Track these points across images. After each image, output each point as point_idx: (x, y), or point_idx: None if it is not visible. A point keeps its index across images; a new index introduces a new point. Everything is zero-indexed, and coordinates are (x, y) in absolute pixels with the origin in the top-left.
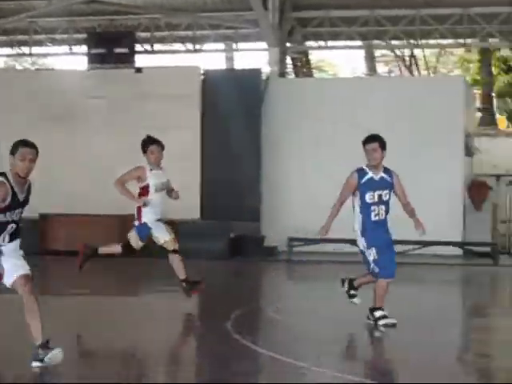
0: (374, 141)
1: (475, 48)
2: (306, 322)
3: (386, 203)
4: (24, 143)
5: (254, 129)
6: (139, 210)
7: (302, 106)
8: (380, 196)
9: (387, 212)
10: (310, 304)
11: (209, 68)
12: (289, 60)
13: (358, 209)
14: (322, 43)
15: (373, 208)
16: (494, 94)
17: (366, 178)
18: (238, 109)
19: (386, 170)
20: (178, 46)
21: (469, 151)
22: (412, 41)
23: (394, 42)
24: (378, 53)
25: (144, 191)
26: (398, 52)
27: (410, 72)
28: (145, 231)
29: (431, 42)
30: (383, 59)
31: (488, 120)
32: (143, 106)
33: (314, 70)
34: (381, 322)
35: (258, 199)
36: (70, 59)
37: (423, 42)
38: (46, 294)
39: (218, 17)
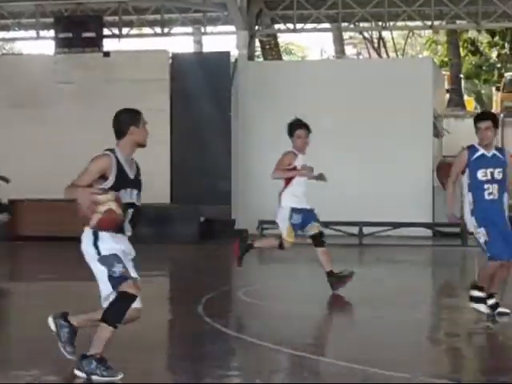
0: (487, 119)
1: (443, 30)
2: (277, 304)
3: (500, 182)
4: (138, 111)
5: (224, 112)
6: (280, 194)
7: (271, 88)
8: (492, 174)
9: (503, 192)
10: (280, 286)
11: (177, 51)
12: (257, 43)
13: (466, 187)
14: (290, 26)
15: (486, 186)
16: (461, 76)
17: (478, 154)
18: (207, 92)
19: (499, 149)
20: (146, 30)
21: (438, 132)
22: (380, 23)
23: (362, 25)
24: (346, 35)
25: (289, 178)
26: (366, 34)
27: (379, 54)
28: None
29: (399, 24)
30: (352, 41)
31: (456, 101)
32: (112, 90)
33: (282, 53)
34: (473, 305)
35: (228, 183)
36: (37, 44)
37: (391, 24)
38: (14, 279)
39: (186, 0)
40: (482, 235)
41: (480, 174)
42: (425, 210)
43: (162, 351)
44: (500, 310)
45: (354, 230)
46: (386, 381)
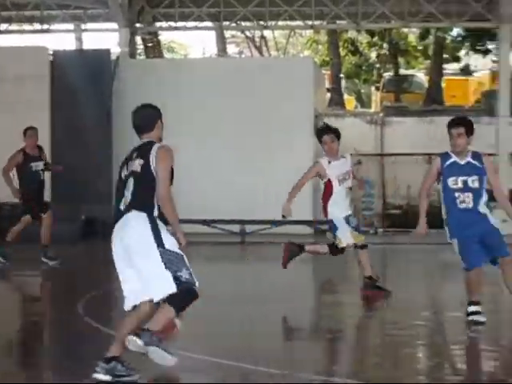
0: (460, 125)
1: (323, 30)
2: None
3: (475, 190)
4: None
5: (105, 110)
6: (325, 206)
7: (152, 87)
8: (465, 182)
9: (478, 200)
10: None
11: (58, 48)
12: (140, 41)
13: (442, 195)
14: (172, 24)
15: (457, 195)
16: (342, 75)
17: (450, 161)
18: (89, 90)
19: (476, 156)
20: (26, 26)
21: None
22: (261, 22)
23: (243, 23)
24: (228, 34)
25: (328, 187)
26: (248, 33)
27: (261, 53)
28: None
29: (280, 23)
30: (234, 40)
31: (336, 100)
32: None
33: (164, 51)
34: (469, 318)
35: (109, 182)
36: None
37: (272, 23)
38: None
39: None
40: (454, 246)
41: (451, 183)
42: (305, 208)
43: (42, 350)
44: (476, 318)
45: (236, 228)
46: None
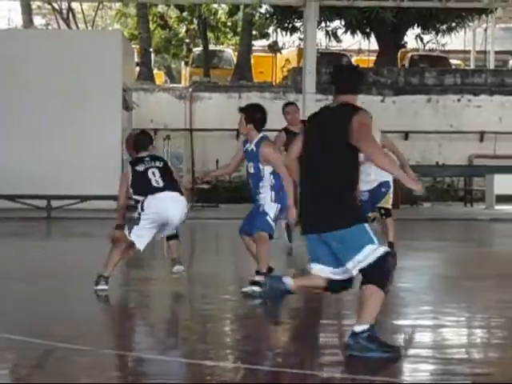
0: (241, 111)
1: (133, 3)
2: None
3: (252, 176)
4: None
5: None
6: None
7: None
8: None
9: (256, 185)
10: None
11: None
12: None
13: None
14: None
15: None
16: (151, 50)
17: (245, 147)
18: None
19: (258, 141)
20: None
21: (127, 105)
22: None
23: None
24: (34, 5)
25: None
26: (55, 5)
27: (68, 25)
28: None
29: None
30: (40, 12)
31: (146, 75)
32: None
33: None
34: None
35: None
36: None
37: None
38: None
39: None
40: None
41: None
42: (113, 183)
43: None
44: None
45: (42, 203)
46: (64, 354)
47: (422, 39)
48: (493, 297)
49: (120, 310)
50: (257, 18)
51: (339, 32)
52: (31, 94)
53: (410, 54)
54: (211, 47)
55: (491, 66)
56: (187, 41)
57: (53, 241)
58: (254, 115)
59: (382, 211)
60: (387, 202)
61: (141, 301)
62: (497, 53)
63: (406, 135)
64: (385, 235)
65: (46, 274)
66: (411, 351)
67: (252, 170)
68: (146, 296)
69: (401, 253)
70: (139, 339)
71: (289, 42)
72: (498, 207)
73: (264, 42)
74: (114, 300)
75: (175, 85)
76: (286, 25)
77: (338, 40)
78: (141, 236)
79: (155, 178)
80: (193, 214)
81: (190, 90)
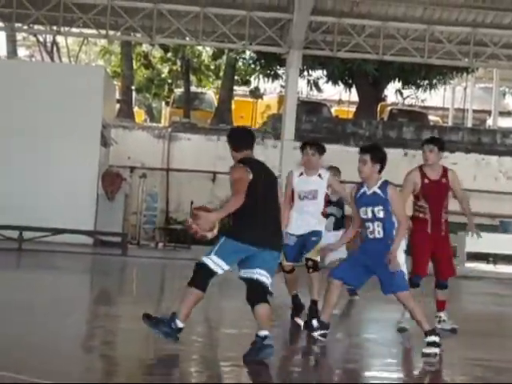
0: (365, 152)
1: (118, 40)
2: None
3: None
4: None
5: None
6: None
7: None
8: (373, 212)
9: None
10: None
11: None
12: None
13: None
14: None
15: (367, 225)
16: (133, 88)
17: (361, 192)
18: None
19: (383, 185)
20: None
21: (105, 141)
22: (55, 27)
23: (36, 27)
24: (19, 36)
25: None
26: (40, 38)
27: (52, 58)
28: None
29: (74, 30)
30: (25, 43)
31: (126, 112)
32: None
33: None
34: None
35: None
36: None
37: (66, 29)
38: None
39: None
40: None
41: (361, 213)
42: (88, 218)
43: None
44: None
45: (14, 234)
46: None
47: (401, 94)
48: (458, 354)
49: (82, 345)
50: (240, 63)
51: (321, 82)
52: (8, 126)
53: (389, 108)
54: (193, 89)
55: (469, 124)
56: (169, 81)
57: (23, 272)
58: (382, 156)
59: (310, 263)
60: (316, 253)
61: (102, 337)
62: (475, 111)
63: None
64: (308, 290)
65: (13, 305)
66: None
67: (382, 215)
68: (110, 332)
69: (368, 304)
70: (105, 371)
71: (270, 89)
72: (468, 265)
73: (246, 87)
74: (79, 335)
75: (155, 124)
76: (269, 71)
77: (319, 89)
78: None
79: None
80: (164, 254)
81: (170, 129)
